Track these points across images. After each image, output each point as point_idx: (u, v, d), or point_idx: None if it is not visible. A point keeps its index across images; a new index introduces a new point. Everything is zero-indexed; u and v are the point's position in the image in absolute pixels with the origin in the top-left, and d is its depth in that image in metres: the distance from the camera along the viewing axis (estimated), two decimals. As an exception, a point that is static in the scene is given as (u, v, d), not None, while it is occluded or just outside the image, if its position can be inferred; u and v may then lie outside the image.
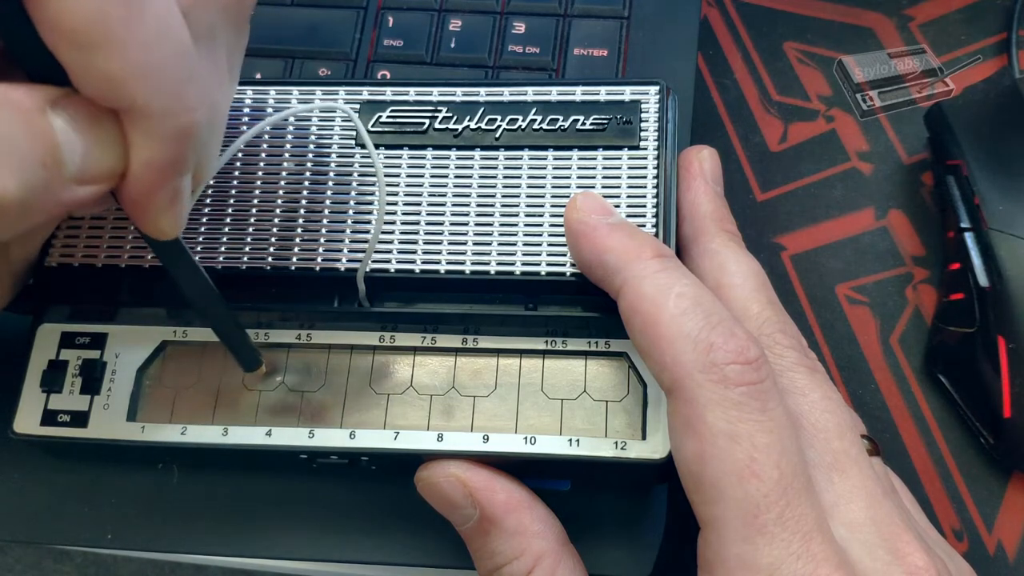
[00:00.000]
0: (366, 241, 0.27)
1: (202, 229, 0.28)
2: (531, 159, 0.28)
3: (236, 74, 0.24)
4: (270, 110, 0.29)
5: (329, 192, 0.28)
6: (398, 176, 0.28)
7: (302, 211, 0.28)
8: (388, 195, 0.28)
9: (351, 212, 0.27)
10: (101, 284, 0.28)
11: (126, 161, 0.20)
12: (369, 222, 0.27)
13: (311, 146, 0.28)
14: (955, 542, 0.31)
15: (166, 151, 0.20)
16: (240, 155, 0.28)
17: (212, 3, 0.21)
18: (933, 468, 0.32)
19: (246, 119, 0.29)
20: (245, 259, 0.27)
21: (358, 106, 0.29)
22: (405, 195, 0.28)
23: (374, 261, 0.27)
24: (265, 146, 0.29)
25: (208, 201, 0.28)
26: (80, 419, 0.27)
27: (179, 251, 0.23)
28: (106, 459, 0.29)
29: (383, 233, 0.27)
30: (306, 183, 0.28)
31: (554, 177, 0.28)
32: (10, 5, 0.17)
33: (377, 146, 0.28)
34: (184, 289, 0.24)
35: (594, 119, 0.28)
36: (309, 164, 0.28)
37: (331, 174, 0.28)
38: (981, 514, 0.31)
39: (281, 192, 0.28)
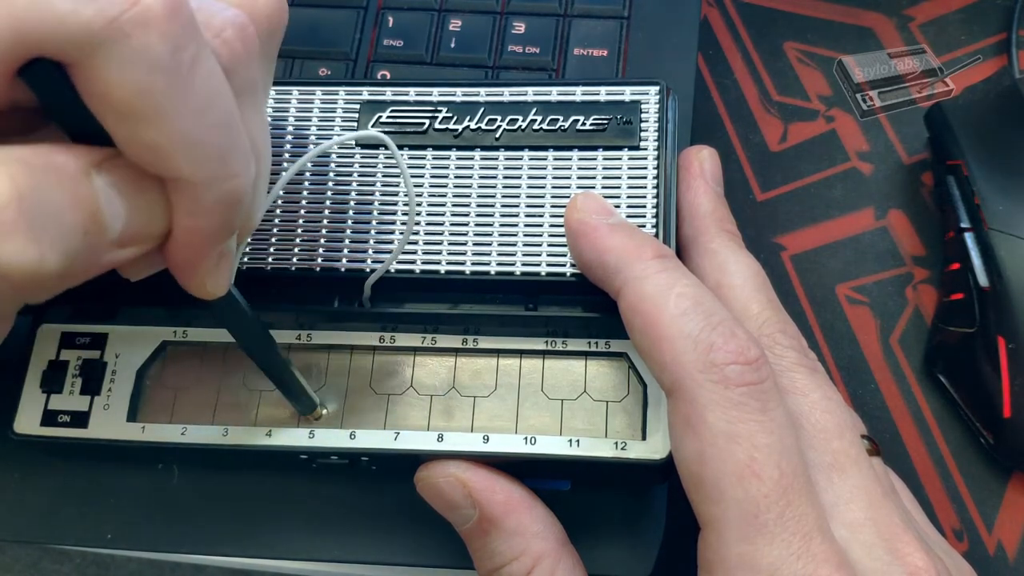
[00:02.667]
0: (366, 242, 0.27)
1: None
2: (531, 159, 0.28)
3: (266, 102, 0.23)
4: (312, 139, 0.28)
5: (329, 193, 0.28)
6: (398, 176, 0.28)
7: (302, 212, 0.28)
8: (387, 195, 0.28)
9: (351, 212, 0.27)
10: (101, 284, 0.28)
11: (168, 224, 0.19)
12: (369, 221, 0.27)
13: (311, 147, 0.28)
14: (955, 542, 0.31)
15: (212, 220, 0.19)
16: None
17: (253, 55, 0.21)
18: (933, 468, 0.32)
19: None
20: (245, 260, 0.27)
21: (402, 151, 0.28)
22: (405, 195, 0.28)
23: (373, 261, 0.27)
24: None
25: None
26: (80, 419, 0.27)
27: (229, 304, 0.23)
28: (106, 459, 0.29)
29: (382, 233, 0.27)
30: (306, 184, 0.28)
31: (554, 177, 0.28)
32: (54, 75, 0.17)
33: (376, 146, 0.28)
34: (237, 337, 0.24)
35: (594, 119, 0.28)
36: (309, 165, 0.28)
37: (331, 175, 0.28)
38: (981, 514, 0.31)
39: (281, 193, 0.28)
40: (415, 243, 0.27)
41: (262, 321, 0.25)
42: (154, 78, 0.17)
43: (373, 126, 0.29)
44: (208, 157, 0.18)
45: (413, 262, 0.27)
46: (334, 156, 0.28)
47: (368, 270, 0.27)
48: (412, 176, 0.28)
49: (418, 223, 0.27)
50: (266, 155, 0.22)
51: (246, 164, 0.20)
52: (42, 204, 0.17)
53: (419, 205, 0.27)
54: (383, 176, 0.28)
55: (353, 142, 0.28)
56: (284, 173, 0.24)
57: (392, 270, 0.27)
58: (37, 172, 0.17)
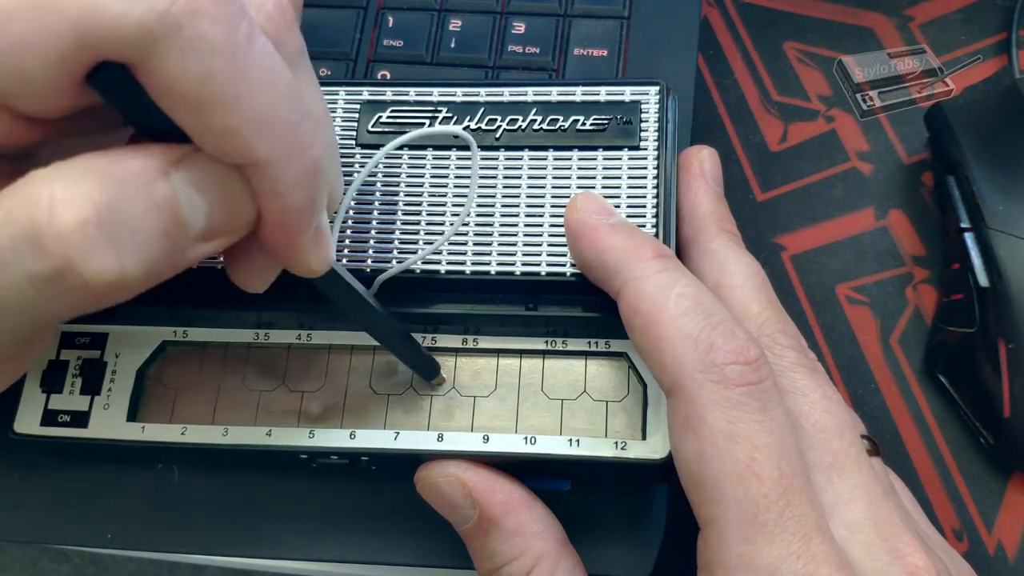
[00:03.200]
0: (367, 241, 0.27)
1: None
2: (531, 159, 0.28)
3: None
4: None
5: (342, 191, 0.28)
6: (398, 176, 0.28)
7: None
8: (387, 195, 0.28)
9: (351, 213, 0.27)
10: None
11: (255, 212, 0.19)
12: (369, 221, 0.27)
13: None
14: (955, 542, 0.31)
15: (298, 195, 0.19)
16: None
17: (292, 24, 0.21)
18: (933, 468, 0.32)
19: None
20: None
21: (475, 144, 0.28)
22: (405, 195, 0.28)
23: (373, 261, 0.27)
24: None
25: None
26: (80, 419, 0.27)
27: (335, 280, 0.23)
28: (106, 459, 0.29)
29: (382, 234, 0.27)
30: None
31: (554, 177, 0.28)
32: (120, 78, 0.17)
33: (376, 146, 0.28)
34: (345, 312, 0.24)
35: (594, 119, 0.28)
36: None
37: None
38: (981, 514, 0.31)
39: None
40: (415, 243, 0.27)
41: (367, 291, 0.24)
42: (214, 62, 0.17)
43: (373, 126, 0.29)
44: (281, 132, 0.18)
45: (413, 262, 0.27)
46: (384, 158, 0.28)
47: (368, 270, 0.27)
48: (412, 176, 0.28)
49: (417, 222, 0.27)
50: (328, 121, 0.22)
51: (315, 133, 0.20)
52: (121, 215, 0.17)
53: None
54: (384, 176, 0.28)
55: (451, 135, 0.28)
56: (377, 153, 0.24)
57: (418, 270, 0.26)
58: (114, 182, 0.17)
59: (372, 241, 0.27)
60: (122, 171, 0.17)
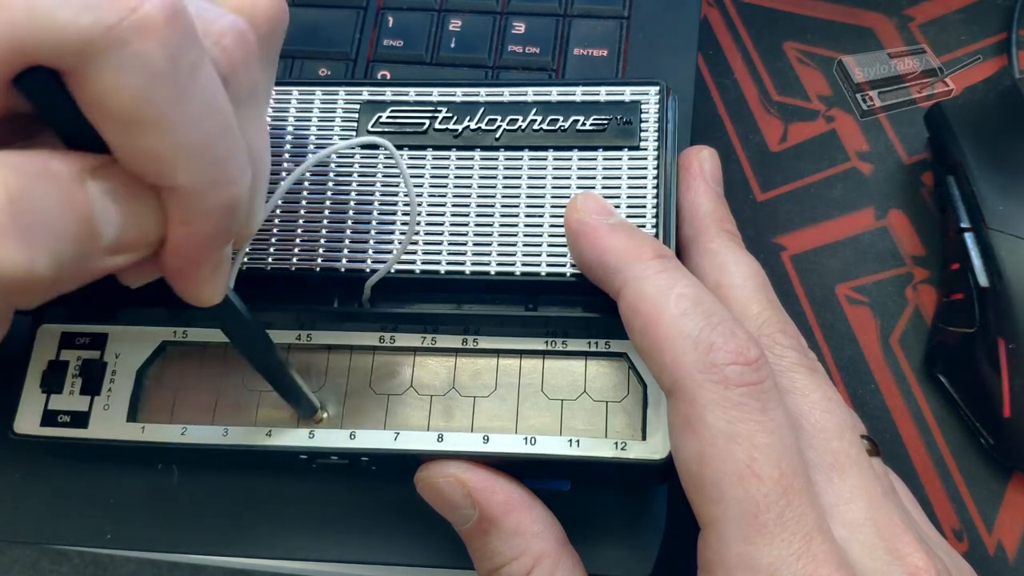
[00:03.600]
0: (366, 242, 0.27)
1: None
2: (531, 159, 0.28)
3: (268, 106, 0.23)
4: (311, 147, 0.28)
5: (329, 193, 0.28)
6: (398, 176, 0.28)
7: (302, 212, 0.28)
8: (386, 195, 0.28)
9: (351, 213, 0.27)
10: (101, 284, 0.27)
11: (162, 232, 0.19)
12: (369, 222, 0.27)
13: (311, 147, 0.28)
14: (955, 542, 0.31)
15: (207, 226, 0.19)
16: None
17: (251, 61, 0.20)
18: (933, 468, 0.32)
19: None
20: (245, 260, 0.27)
21: (399, 151, 0.28)
22: (405, 195, 0.28)
23: (373, 262, 0.27)
24: None
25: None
26: (80, 419, 0.27)
27: (227, 311, 0.23)
28: (106, 459, 0.29)
29: (382, 234, 0.27)
30: (306, 184, 0.28)
31: (554, 177, 0.28)
32: (50, 84, 0.17)
33: (376, 146, 0.28)
34: (235, 343, 0.24)
35: (594, 119, 0.28)
36: (308, 172, 0.28)
37: (331, 175, 0.28)
38: (981, 514, 0.31)
39: (280, 201, 0.28)
40: (415, 243, 0.27)
41: (261, 325, 0.25)
42: (152, 85, 0.17)
43: (373, 126, 0.29)
44: (205, 165, 0.18)
45: (413, 262, 0.27)
46: (334, 156, 0.28)
47: (368, 270, 0.27)
48: (412, 176, 0.28)
49: (419, 224, 0.27)
50: (265, 161, 0.22)
51: (243, 171, 0.20)
52: (34, 209, 0.16)
53: (420, 206, 0.27)
54: (383, 176, 0.28)
55: (353, 147, 0.28)
56: (283, 182, 0.24)
57: (392, 271, 0.26)
58: (30, 177, 0.17)
59: (372, 242, 0.27)
60: (40, 168, 0.17)
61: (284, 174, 0.28)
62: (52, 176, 0.17)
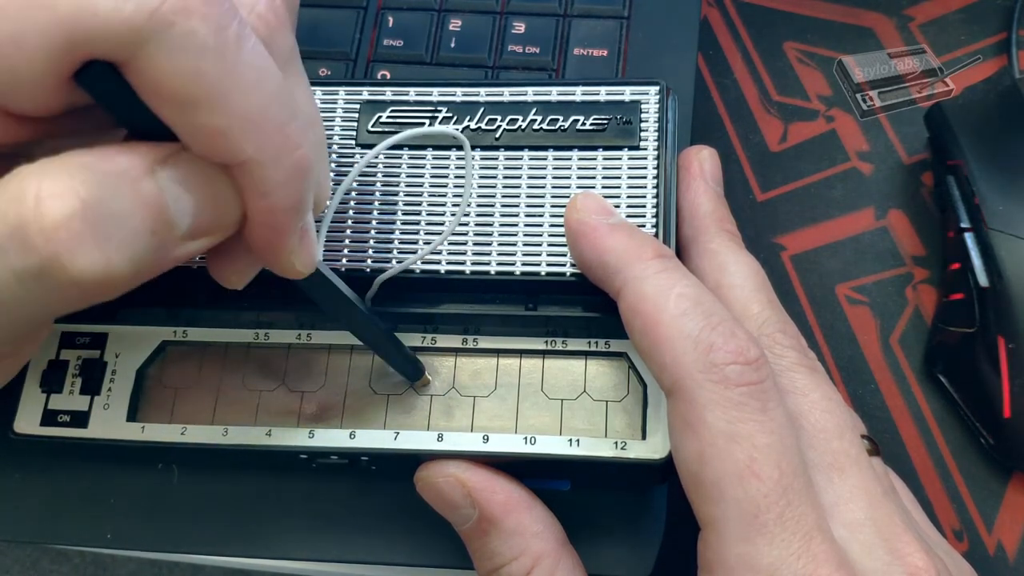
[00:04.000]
0: (366, 241, 0.27)
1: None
2: (531, 159, 0.28)
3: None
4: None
5: (329, 192, 0.28)
6: (398, 176, 0.28)
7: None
8: (387, 195, 0.28)
9: (351, 212, 0.27)
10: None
11: (241, 211, 0.19)
12: (369, 222, 0.27)
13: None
14: (955, 542, 0.31)
15: (285, 195, 0.19)
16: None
17: (285, 24, 0.21)
18: (933, 468, 0.32)
19: None
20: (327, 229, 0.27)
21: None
22: (405, 195, 0.28)
23: (373, 261, 0.27)
24: None
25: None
26: (80, 419, 0.27)
27: (321, 282, 0.23)
28: (106, 459, 0.29)
29: (383, 234, 0.27)
30: (306, 183, 0.28)
31: (554, 177, 0.28)
32: (109, 77, 0.17)
33: (376, 146, 0.28)
34: (330, 313, 0.24)
35: (594, 119, 0.28)
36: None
37: (331, 174, 0.28)
38: (981, 514, 0.31)
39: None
40: (415, 243, 0.27)
41: (353, 293, 0.24)
42: (203, 61, 0.17)
43: (373, 126, 0.29)
44: (269, 132, 0.18)
45: (413, 261, 0.27)
46: (335, 156, 0.28)
47: (368, 270, 0.27)
48: (412, 176, 0.28)
49: (417, 222, 0.27)
50: (319, 121, 0.22)
51: (305, 132, 0.20)
52: (107, 210, 0.17)
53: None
54: (383, 176, 0.28)
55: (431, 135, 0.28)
56: (356, 164, 0.24)
57: (418, 270, 0.26)
58: (100, 178, 0.17)
59: (372, 241, 0.27)
60: (109, 167, 0.17)
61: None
62: (122, 174, 0.17)
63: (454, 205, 0.27)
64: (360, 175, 0.28)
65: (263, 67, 0.18)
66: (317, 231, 0.22)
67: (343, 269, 0.27)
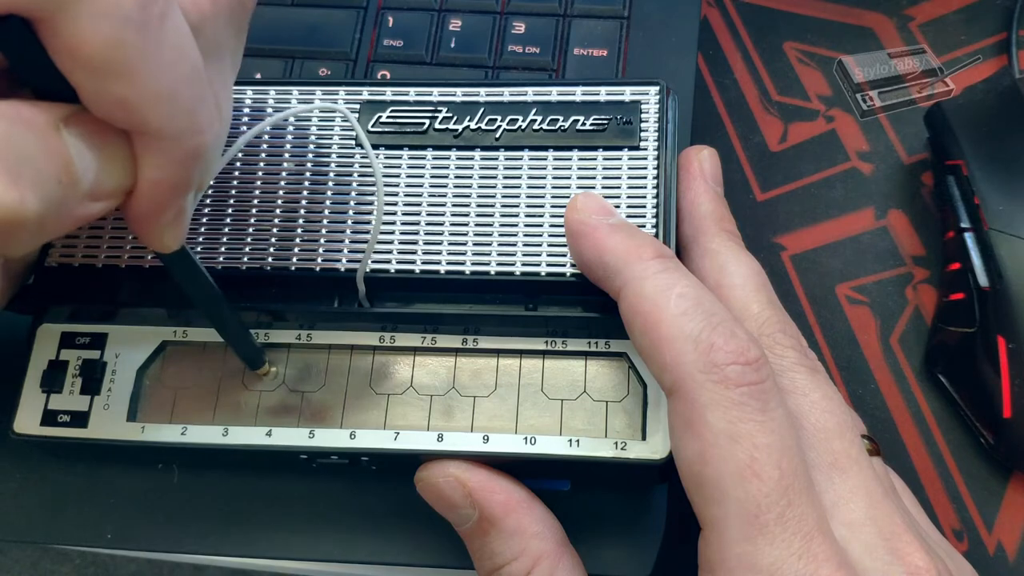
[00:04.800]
0: (366, 241, 0.27)
1: (202, 230, 0.28)
2: (531, 159, 0.28)
3: (235, 75, 0.24)
4: (270, 110, 0.29)
5: (329, 192, 0.28)
6: (398, 176, 0.28)
7: (302, 211, 0.28)
8: (388, 195, 0.28)
9: (351, 212, 0.27)
10: (101, 284, 0.28)
11: (133, 178, 0.20)
12: (369, 222, 0.27)
13: (311, 146, 0.28)
14: (955, 542, 0.31)
15: (175, 172, 0.20)
16: (240, 156, 0.28)
17: (220, 16, 0.21)
18: (933, 468, 0.32)
19: (246, 119, 0.29)
20: (245, 259, 0.27)
21: (357, 107, 0.29)
22: (405, 195, 0.28)
23: (374, 261, 0.27)
24: (265, 147, 0.29)
25: (208, 202, 0.28)
26: (80, 419, 0.27)
27: (182, 257, 0.23)
28: (106, 459, 0.29)
29: (383, 234, 0.27)
30: (306, 183, 0.28)
31: (554, 177, 0.28)
32: (17, 28, 0.17)
33: (376, 146, 0.28)
34: (187, 291, 0.24)
35: (594, 119, 0.28)
36: (309, 164, 0.28)
37: (331, 174, 0.28)
38: (981, 514, 0.31)
39: (281, 192, 0.28)
40: (415, 243, 0.27)
41: (209, 276, 0.25)
42: (124, 32, 0.17)
43: (373, 126, 0.29)
44: (176, 112, 0.19)
45: (413, 262, 0.27)
46: (333, 156, 0.28)
47: (368, 269, 0.27)
48: (412, 176, 0.28)
49: (417, 222, 0.27)
50: (227, 118, 0.23)
51: (211, 121, 0.20)
52: (17, 150, 0.17)
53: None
54: (383, 176, 0.28)
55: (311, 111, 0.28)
56: (240, 137, 0.25)
57: (369, 264, 0.27)
58: (10, 120, 0.17)
59: (372, 241, 0.27)
60: (14, 114, 0.17)
61: (284, 173, 0.28)
62: (28, 121, 0.18)
63: (454, 205, 0.27)
64: (360, 177, 0.28)
65: (182, 48, 0.19)
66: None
67: (342, 269, 0.27)
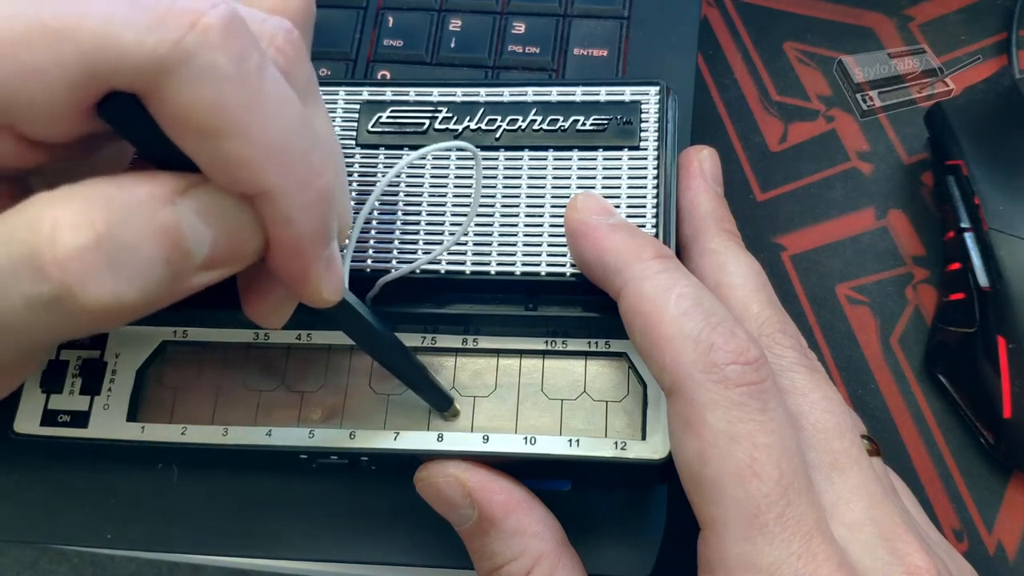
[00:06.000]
0: (366, 242, 0.27)
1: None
2: (531, 159, 0.28)
3: (323, 105, 0.24)
4: (406, 149, 0.28)
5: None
6: (398, 176, 0.28)
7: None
8: (388, 194, 0.28)
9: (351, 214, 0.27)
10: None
11: (261, 242, 0.19)
12: (370, 223, 0.27)
13: (406, 152, 0.28)
14: (955, 542, 0.31)
15: (308, 223, 0.19)
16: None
17: (302, 55, 0.21)
18: (933, 468, 0.32)
19: None
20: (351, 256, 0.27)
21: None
22: (405, 195, 0.28)
23: (373, 261, 0.27)
24: None
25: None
26: (80, 419, 0.27)
27: (347, 309, 0.23)
28: (106, 459, 0.29)
29: (383, 233, 0.27)
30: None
31: (554, 177, 0.28)
32: (130, 108, 0.17)
33: (376, 146, 0.28)
34: (361, 342, 0.24)
35: (594, 119, 0.28)
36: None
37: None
38: (981, 514, 0.31)
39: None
40: (415, 243, 0.27)
41: (383, 323, 0.24)
42: (225, 91, 0.17)
43: (373, 126, 0.29)
44: (292, 161, 0.18)
45: (413, 261, 0.27)
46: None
47: (368, 270, 0.27)
48: (412, 176, 0.28)
49: (417, 222, 0.27)
50: (338, 149, 0.23)
51: (325, 161, 0.20)
52: (122, 241, 0.17)
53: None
54: (382, 176, 0.28)
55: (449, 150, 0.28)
56: (379, 182, 0.24)
57: (418, 271, 0.26)
58: (117, 208, 0.17)
59: (372, 243, 0.27)
60: (127, 197, 0.17)
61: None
62: (140, 204, 0.17)
63: (455, 206, 0.27)
64: (360, 177, 0.28)
65: (283, 97, 0.18)
66: (341, 258, 0.22)
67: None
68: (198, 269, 0.19)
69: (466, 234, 0.27)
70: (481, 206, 0.27)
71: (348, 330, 0.24)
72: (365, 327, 0.24)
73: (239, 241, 0.19)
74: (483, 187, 0.28)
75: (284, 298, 0.22)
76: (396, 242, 0.27)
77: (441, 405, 0.26)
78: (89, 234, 0.16)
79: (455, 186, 0.28)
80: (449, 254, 0.27)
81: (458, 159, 0.28)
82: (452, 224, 0.27)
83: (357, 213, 0.27)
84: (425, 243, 0.27)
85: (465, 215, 0.27)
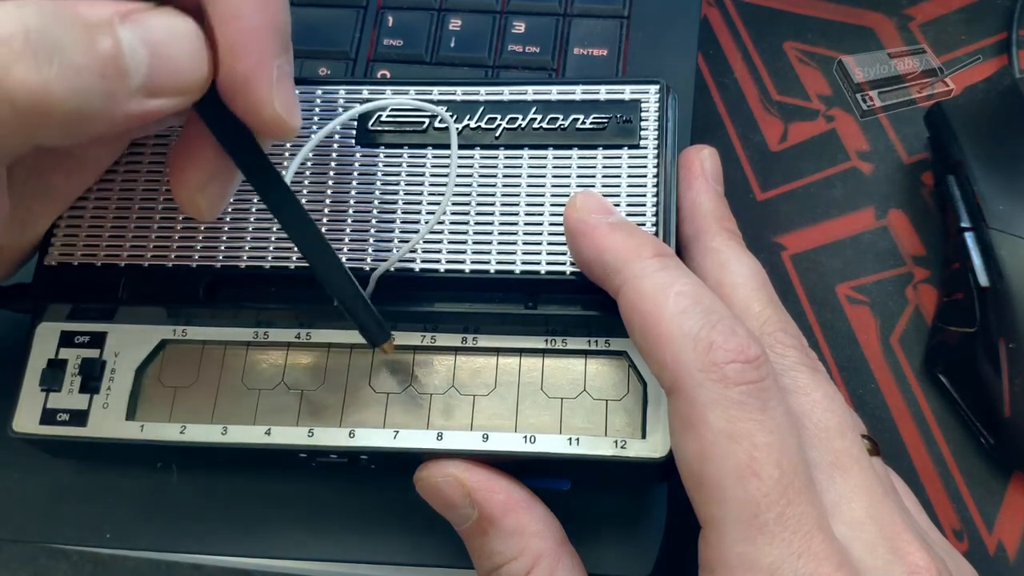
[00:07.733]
0: (366, 240, 0.27)
1: (203, 228, 0.28)
2: (531, 158, 0.28)
3: None
4: (340, 106, 0.28)
5: (329, 191, 0.28)
6: (398, 175, 0.28)
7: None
8: (387, 194, 0.28)
9: (351, 212, 0.27)
10: (100, 283, 0.28)
11: (207, 70, 0.20)
12: (369, 221, 0.27)
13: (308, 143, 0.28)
14: (955, 542, 0.31)
15: (258, 16, 0.20)
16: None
17: None
18: (933, 468, 0.32)
19: None
20: (245, 258, 0.27)
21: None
22: (405, 194, 0.28)
23: (373, 260, 0.27)
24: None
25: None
26: (79, 418, 0.27)
27: (281, 191, 0.23)
28: (105, 458, 0.29)
29: (383, 232, 0.27)
30: (306, 182, 0.28)
31: (554, 176, 0.28)
32: None
33: (376, 145, 0.28)
34: (292, 233, 0.24)
35: (594, 118, 0.28)
36: (309, 163, 0.28)
37: (331, 172, 0.28)
38: (981, 514, 0.31)
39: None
40: (412, 241, 0.27)
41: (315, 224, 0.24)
42: None
43: (373, 125, 0.29)
44: None
45: (413, 260, 0.27)
46: (334, 155, 0.28)
47: (368, 268, 0.27)
48: (412, 175, 0.28)
49: (417, 221, 0.27)
50: None
51: None
52: (52, 39, 0.17)
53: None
54: (382, 175, 0.28)
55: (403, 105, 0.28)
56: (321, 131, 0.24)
57: (393, 269, 0.26)
58: (50, 14, 0.18)
59: (372, 240, 0.27)
60: (65, 11, 0.18)
61: (283, 172, 0.28)
62: (76, 17, 0.18)
63: (454, 204, 0.27)
64: (360, 172, 0.28)
65: None
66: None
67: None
68: (137, 93, 0.19)
69: (463, 224, 0.27)
70: (481, 204, 0.27)
71: (280, 216, 0.24)
72: (300, 218, 0.24)
73: (181, 69, 0.19)
74: (483, 186, 0.27)
75: (216, 169, 0.22)
76: (396, 240, 0.27)
77: (377, 337, 0.25)
78: (16, 27, 0.17)
79: (455, 185, 0.28)
80: (449, 252, 0.27)
81: (457, 156, 0.28)
82: (452, 222, 0.27)
83: (350, 208, 0.27)
84: (426, 241, 0.27)
85: (466, 213, 0.27)
